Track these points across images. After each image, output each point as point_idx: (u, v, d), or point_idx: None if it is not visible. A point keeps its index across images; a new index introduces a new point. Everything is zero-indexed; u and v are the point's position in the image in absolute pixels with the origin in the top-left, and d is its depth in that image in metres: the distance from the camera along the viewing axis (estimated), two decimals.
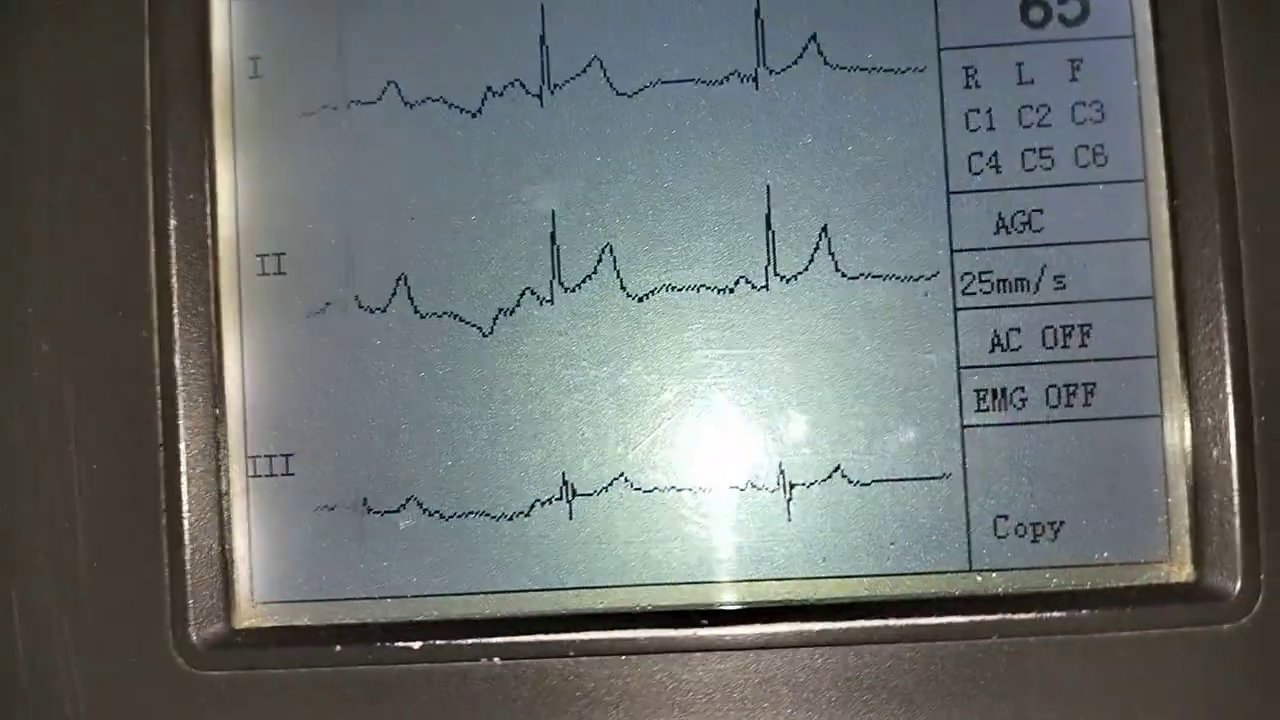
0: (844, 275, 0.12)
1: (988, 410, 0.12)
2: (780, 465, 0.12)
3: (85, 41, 0.13)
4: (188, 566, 0.13)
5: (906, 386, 0.12)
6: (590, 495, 0.13)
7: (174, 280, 0.13)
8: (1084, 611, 0.12)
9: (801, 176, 0.12)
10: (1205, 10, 0.12)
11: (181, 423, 0.13)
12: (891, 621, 0.12)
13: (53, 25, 0.14)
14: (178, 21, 0.13)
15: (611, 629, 0.12)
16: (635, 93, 0.13)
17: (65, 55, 0.13)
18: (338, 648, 0.13)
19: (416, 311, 0.13)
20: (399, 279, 0.13)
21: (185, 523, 0.13)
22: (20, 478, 0.14)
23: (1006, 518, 0.12)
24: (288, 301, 0.13)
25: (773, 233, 0.12)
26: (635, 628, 0.12)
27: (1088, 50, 0.12)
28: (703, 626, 0.12)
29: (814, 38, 0.12)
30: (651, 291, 0.12)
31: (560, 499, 0.12)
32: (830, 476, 0.12)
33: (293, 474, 0.13)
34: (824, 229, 0.12)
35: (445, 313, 0.12)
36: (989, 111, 0.12)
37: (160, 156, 0.13)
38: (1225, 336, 0.12)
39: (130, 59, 0.13)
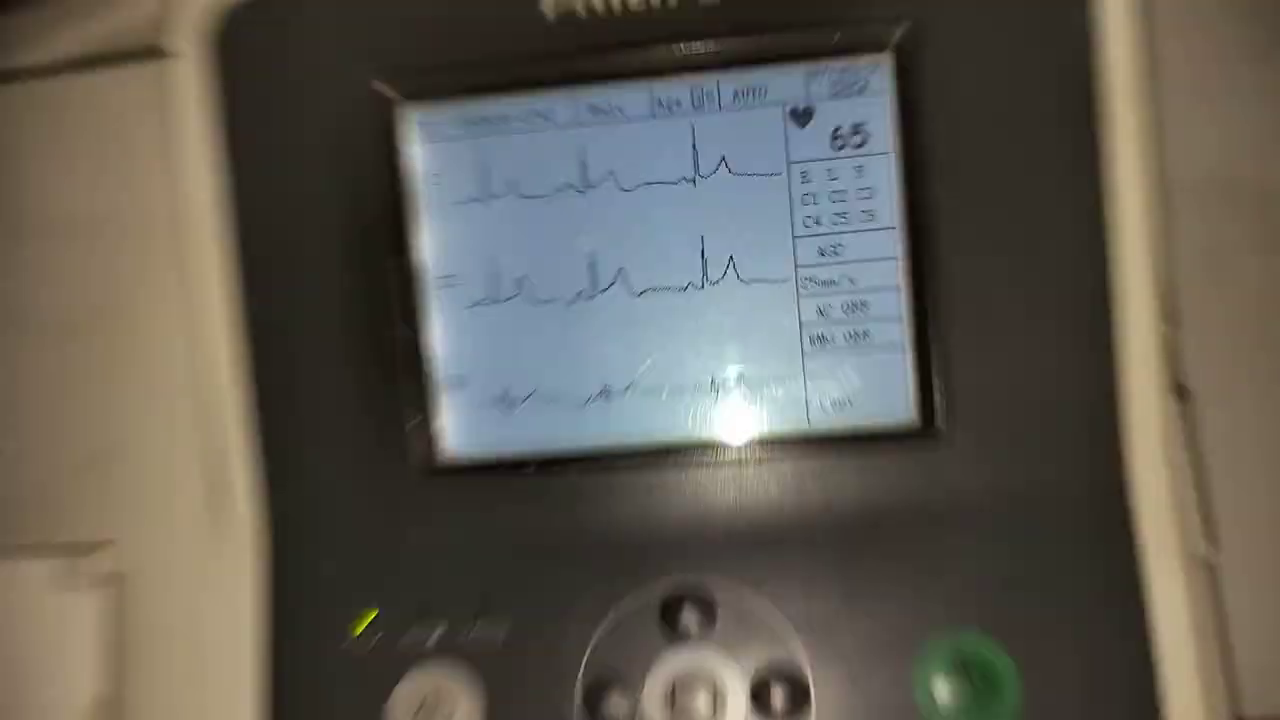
0: (743, 281, 0.24)
1: (814, 342, 0.24)
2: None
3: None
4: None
5: (776, 333, 0.24)
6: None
7: None
8: None
9: (727, 230, 0.24)
10: (924, 140, 0.23)
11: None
12: None
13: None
14: None
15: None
16: None
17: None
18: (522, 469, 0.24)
19: None
20: None
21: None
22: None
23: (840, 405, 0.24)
24: None
25: (705, 260, 0.24)
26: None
27: (867, 160, 0.23)
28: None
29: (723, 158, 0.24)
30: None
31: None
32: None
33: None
34: (731, 257, 0.24)
35: None
36: (814, 194, 0.23)
37: None
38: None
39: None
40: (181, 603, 0.25)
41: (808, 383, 0.23)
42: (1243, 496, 0.25)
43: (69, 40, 0.29)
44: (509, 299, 0.24)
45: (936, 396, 0.23)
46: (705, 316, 0.24)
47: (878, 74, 0.23)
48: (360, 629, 0.24)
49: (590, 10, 0.23)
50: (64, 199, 0.27)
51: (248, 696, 0.23)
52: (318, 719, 0.23)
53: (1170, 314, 0.23)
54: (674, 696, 0.23)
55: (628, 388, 0.24)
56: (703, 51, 0.23)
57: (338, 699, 0.23)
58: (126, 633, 0.25)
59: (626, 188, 0.24)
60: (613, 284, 0.24)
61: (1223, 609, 0.24)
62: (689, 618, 0.23)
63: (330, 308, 0.24)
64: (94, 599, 0.25)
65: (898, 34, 0.22)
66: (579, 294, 0.24)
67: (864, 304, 0.23)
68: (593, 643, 0.23)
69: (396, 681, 0.23)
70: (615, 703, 0.23)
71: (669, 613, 0.23)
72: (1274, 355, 0.26)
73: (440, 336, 0.24)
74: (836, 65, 0.23)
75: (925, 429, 0.23)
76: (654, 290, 0.24)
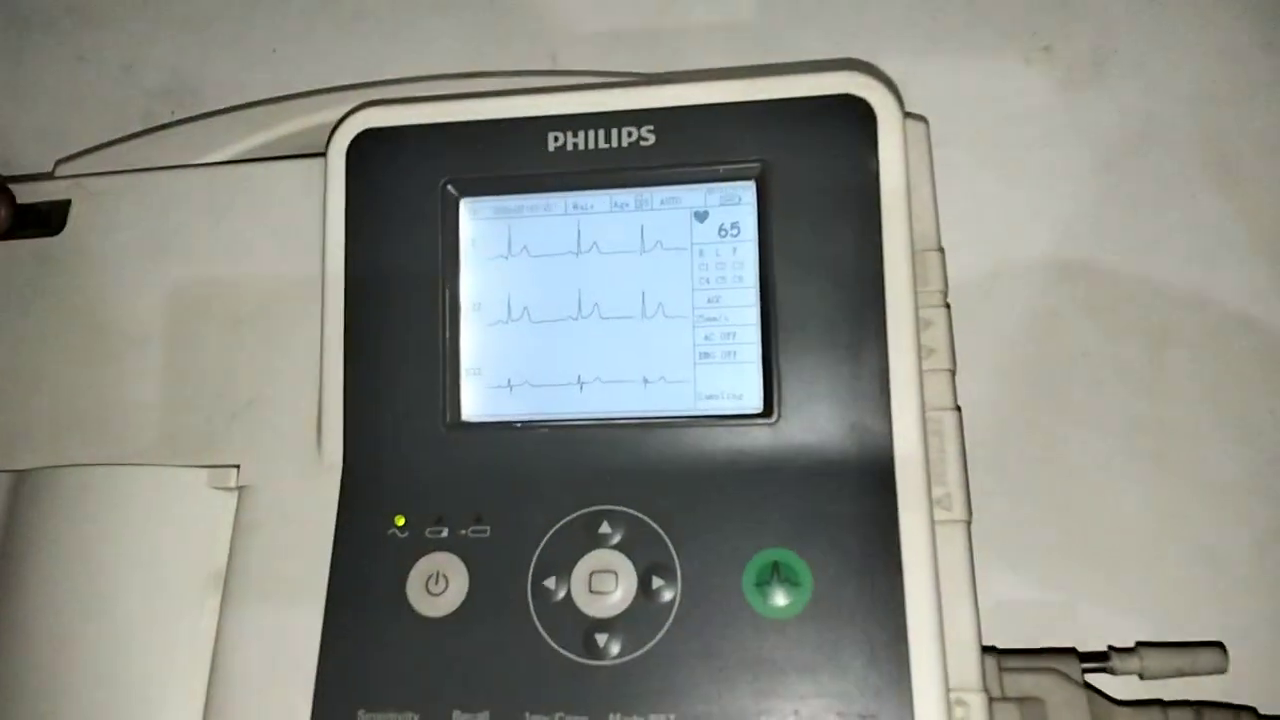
0: (666, 316, 0.36)
1: (701, 357, 0.36)
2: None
3: None
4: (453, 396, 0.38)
5: (679, 351, 0.37)
6: None
7: None
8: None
9: (656, 283, 0.37)
10: (772, 232, 0.36)
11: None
12: None
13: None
14: None
15: None
16: None
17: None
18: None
19: None
20: None
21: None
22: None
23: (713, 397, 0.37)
24: None
25: (644, 302, 0.37)
26: None
27: (738, 244, 0.37)
28: None
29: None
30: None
31: None
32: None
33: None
34: (660, 302, 0.37)
35: None
36: (706, 264, 0.36)
37: None
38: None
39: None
40: (283, 507, 0.38)
41: (696, 383, 0.36)
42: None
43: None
44: (516, 320, 0.38)
45: (774, 393, 0.35)
46: (641, 337, 0.37)
47: (747, 193, 0.36)
48: (396, 526, 0.36)
49: (574, 148, 0.37)
50: (232, 241, 0.42)
51: (323, 565, 0.36)
52: (365, 581, 0.35)
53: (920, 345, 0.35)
54: (590, 580, 0.35)
55: (590, 381, 0.37)
56: (642, 175, 0.37)
57: (379, 569, 0.35)
58: (240, 525, 0.38)
59: (605, 252, 0.38)
60: (590, 314, 0.37)
61: (970, 558, 0.35)
62: (604, 530, 0.35)
63: (403, 321, 0.38)
64: (229, 499, 0.38)
65: (758, 169, 0.36)
66: (567, 318, 0.37)
67: (733, 334, 0.36)
68: (542, 543, 0.35)
69: (416, 560, 0.35)
70: (553, 583, 0.35)
71: (592, 526, 0.35)
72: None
73: (467, 342, 0.38)
74: (721, 187, 0.36)
75: (765, 413, 0.35)
76: (616, 318, 0.37)
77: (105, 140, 0.52)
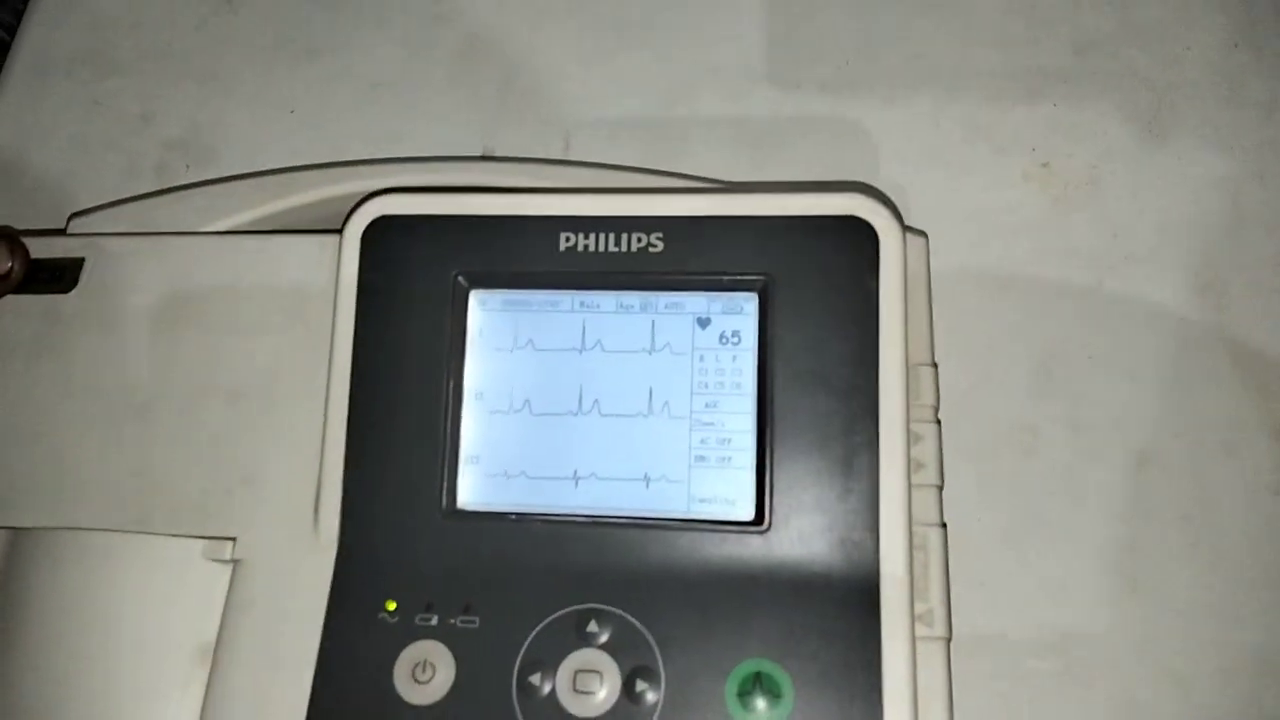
0: (671, 417, 0.38)
1: (696, 460, 0.37)
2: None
3: None
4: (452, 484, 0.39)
5: (677, 452, 0.38)
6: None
7: None
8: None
9: (660, 384, 0.38)
10: (772, 342, 0.37)
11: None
12: None
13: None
14: None
15: None
16: None
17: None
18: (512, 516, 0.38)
19: None
20: None
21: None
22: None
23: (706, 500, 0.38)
24: None
25: (651, 400, 0.38)
26: None
27: (738, 352, 0.38)
28: None
29: None
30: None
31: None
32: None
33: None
34: (666, 401, 0.38)
35: None
36: (706, 369, 0.38)
37: None
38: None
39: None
40: (277, 583, 0.38)
41: (690, 485, 0.37)
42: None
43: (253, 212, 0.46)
44: (517, 411, 0.38)
45: (766, 501, 0.36)
46: (638, 436, 0.38)
47: (749, 303, 0.37)
48: (387, 610, 0.37)
49: (585, 249, 0.38)
50: (242, 312, 0.42)
51: (312, 644, 0.36)
52: (353, 663, 0.36)
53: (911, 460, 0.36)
54: (575, 679, 0.35)
55: (586, 477, 0.38)
56: (648, 280, 0.38)
57: (367, 653, 0.36)
58: (233, 600, 0.39)
59: (609, 351, 0.39)
60: (590, 410, 0.38)
61: (949, 676, 0.35)
62: (592, 629, 0.36)
63: (407, 406, 0.39)
64: (222, 571, 0.38)
65: (761, 282, 0.37)
66: (567, 412, 0.38)
67: (728, 440, 0.37)
68: (529, 638, 0.36)
69: (405, 646, 0.36)
70: (539, 679, 0.35)
71: (580, 624, 0.36)
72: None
73: (468, 430, 0.38)
74: (725, 295, 0.38)
75: (756, 521, 0.36)
76: (615, 415, 0.38)
77: (117, 187, 0.53)
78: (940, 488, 0.37)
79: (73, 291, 0.43)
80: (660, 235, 0.38)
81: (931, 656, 0.35)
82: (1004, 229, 0.48)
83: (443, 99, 0.55)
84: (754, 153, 0.50)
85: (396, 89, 0.55)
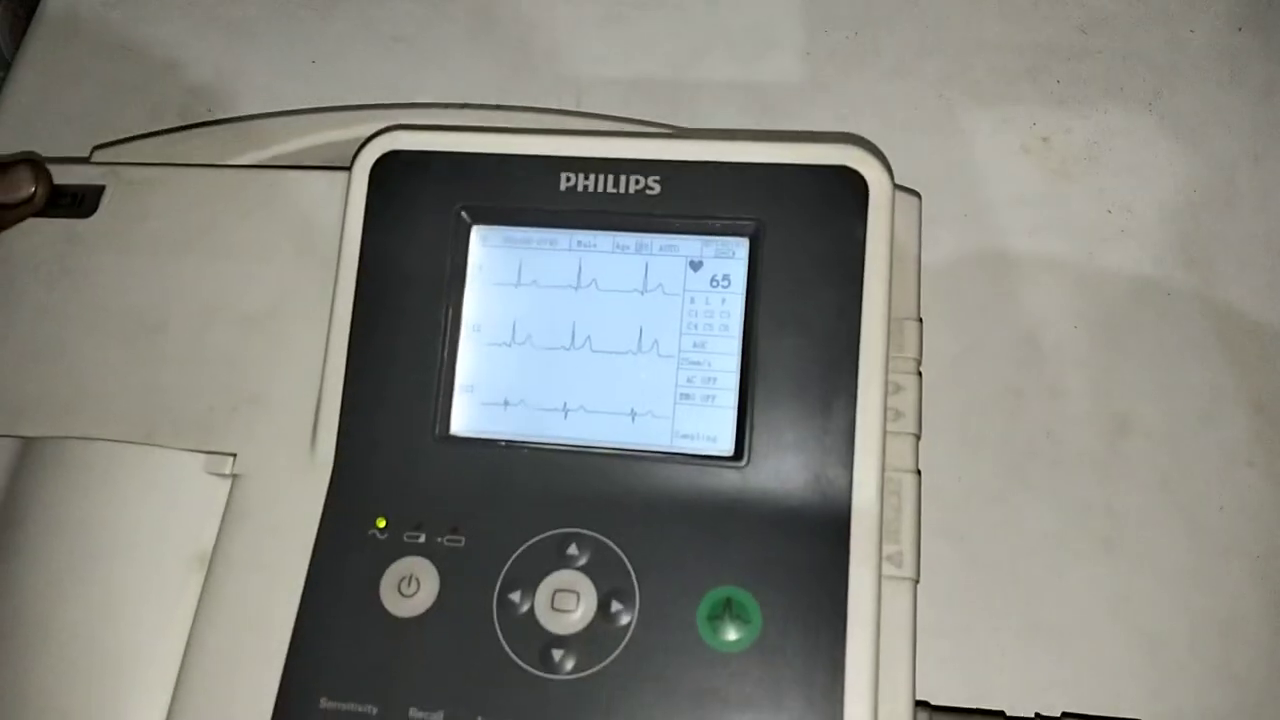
0: (660, 355, 0.39)
1: (681, 397, 0.39)
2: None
3: None
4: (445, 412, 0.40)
5: (663, 390, 0.39)
6: None
7: None
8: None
9: (650, 323, 0.39)
10: (759, 284, 0.38)
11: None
12: None
13: None
14: None
15: None
16: None
17: None
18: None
19: None
20: None
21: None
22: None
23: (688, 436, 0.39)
24: None
25: (641, 338, 0.39)
26: None
27: (727, 294, 0.39)
28: None
29: None
30: None
31: None
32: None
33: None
34: (656, 339, 0.39)
35: None
36: (696, 310, 0.39)
37: None
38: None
39: None
40: (272, 499, 0.40)
41: (674, 421, 0.38)
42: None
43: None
44: (512, 344, 0.40)
45: (745, 438, 0.37)
46: (627, 372, 0.39)
47: (740, 248, 0.39)
48: (377, 527, 0.38)
49: (584, 189, 0.39)
50: (253, 242, 0.44)
51: (304, 557, 0.38)
52: (342, 576, 0.36)
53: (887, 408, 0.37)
54: (553, 598, 0.36)
55: (575, 409, 0.39)
56: (644, 222, 0.39)
57: (356, 566, 0.37)
58: (230, 512, 0.40)
59: (603, 289, 0.40)
60: (582, 345, 0.39)
61: (914, 615, 0.36)
62: (572, 552, 0.37)
63: (406, 334, 0.40)
64: (222, 485, 0.40)
65: (753, 227, 0.38)
66: (561, 347, 0.39)
67: (713, 379, 0.38)
68: (512, 558, 0.37)
69: (392, 561, 0.37)
70: (518, 597, 0.37)
71: (561, 547, 0.37)
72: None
73: (464, 360, 0.40)
74: (717, 240, 0.39)
75: (736, 456, 0.37)
76: (606, 352, 0.39)
77: (140, 127, 0.55)
78: (918, 437, 0.38)
79: (93, 216, 0.45)
80: (658, 178, 0.39)
81: (898, 596, 0.36)
82: (1000, 200, 0.48)
83: (460, 55, 0.56)
84: (762, 117, 0.52)
85: (415, 43, 0.57)
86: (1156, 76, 0.50)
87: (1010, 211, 0.48)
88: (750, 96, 0.52)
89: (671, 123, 0.50)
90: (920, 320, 0.40)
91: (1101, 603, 0.41)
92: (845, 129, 0.50)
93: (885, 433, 0.36)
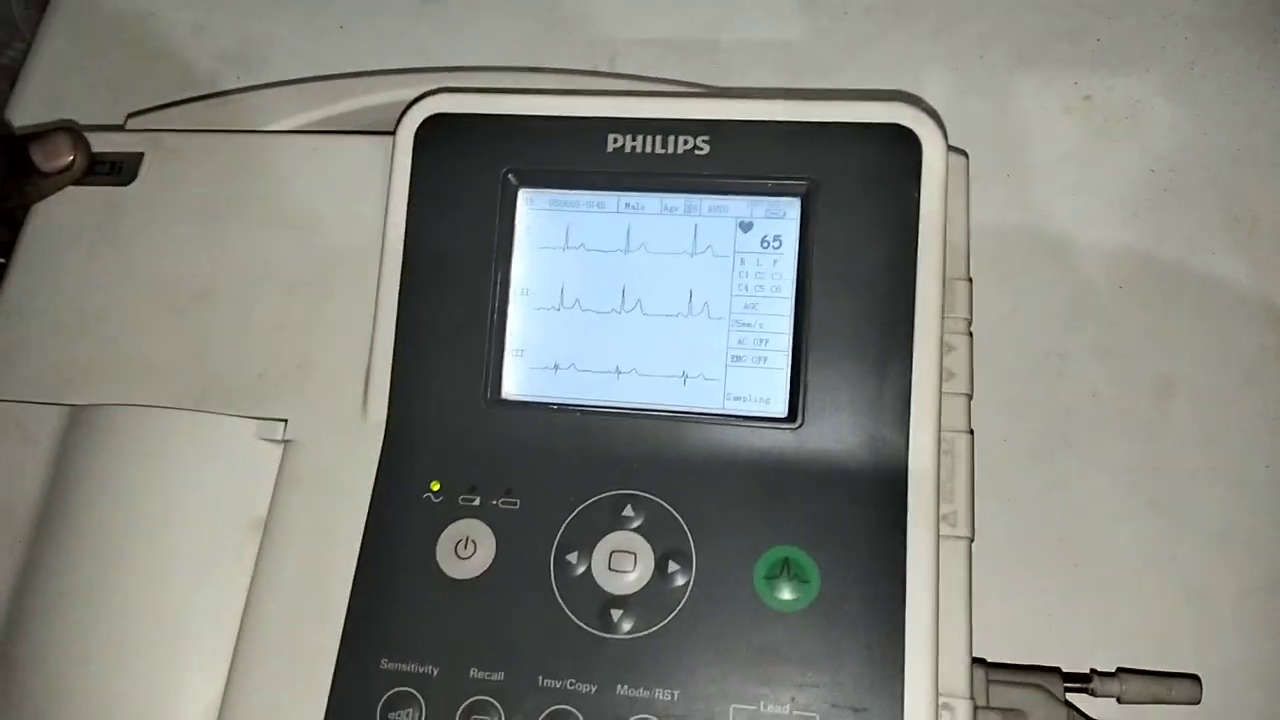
0: (711, 318, 0.38)
1: (733, 360, 0.39)
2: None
3: None
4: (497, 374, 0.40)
5: (714, 352, 0.39)
6: None
7: None
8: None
9: (701, 284, 0.39)
10: (811, 246, 0.38)
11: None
12: None
13: None
14: None
15: None
16: None
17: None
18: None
19: None
20: None
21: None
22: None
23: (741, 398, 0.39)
24: None
25: (691, 301, 0.39)
26: None
27: (779, 256, 0.39)
28: None
29: None
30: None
31: None
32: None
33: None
34: (706, 302, 0.39)
35: None
36: (746, 271, 0.39)
37: None
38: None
39: None
40: (325, 463, 0.40)
41: (726, 383, 0.38)
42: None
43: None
44: (562, 307, 0.40)
45: (799, 399, 0.37)
46: (678, 335, 0.39)
47: (791, 208, 0.38)
48: (431, 490, 0.38)
49: (632, 150, 0.39)
50: (296, 207, 0.44)
51: (359, 521, 0.38)
52: (398, 539, 0.37)
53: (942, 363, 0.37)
54: (610, 558, 0.37)
55: (627, 372, 0.39)
56: (693, 182, 0.39)
57: (411, 530, 0.37)
58: (283, 478, 0.40)
59: (652, 252, 0.40)
60: (632, 309, 0.39)
61: (970, 574, 0.37)
62: (628, 514, 0.37)
63: (455, 298, 0.40)
64: (274, 451, 0.40)
65: (804, 187, 0.38)
66: (612, 310, 0.39)
67: (765, 340, 0.38)
68: (568, 520, 0.37)
69: (448, 525, 0.37)
70: (575, 558, 0.37)
71: (616, 509, 0.37)
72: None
73: (514, 324, 0.40)
74: (768, 200, 0.39)
75: (789, 418, 0.37)
76: (657, 315, 0.38)
77: (168, 95, 0.55)
78: (970, 397, 0.38)
79: (132, 184, 0.44)
80: (706, 138, 0.38)
81: (954, 554, 0.36)
82: (1044, 160, 0.48)
83: (491, 17, 0.56)
84: (798, 78, 0.51)
85: (446, 5, 0.56)
86: (1199, 35, 0.50)
87: (1053, 171, 0.47)
88: (786, 56, 0.52)
89: (707, 83, 0.49)
90: (970, 280, 0.39)
91: (1149, 561, 0.42)
92: (882, 88, 0.50)
93: (940, 392, 0.36)
